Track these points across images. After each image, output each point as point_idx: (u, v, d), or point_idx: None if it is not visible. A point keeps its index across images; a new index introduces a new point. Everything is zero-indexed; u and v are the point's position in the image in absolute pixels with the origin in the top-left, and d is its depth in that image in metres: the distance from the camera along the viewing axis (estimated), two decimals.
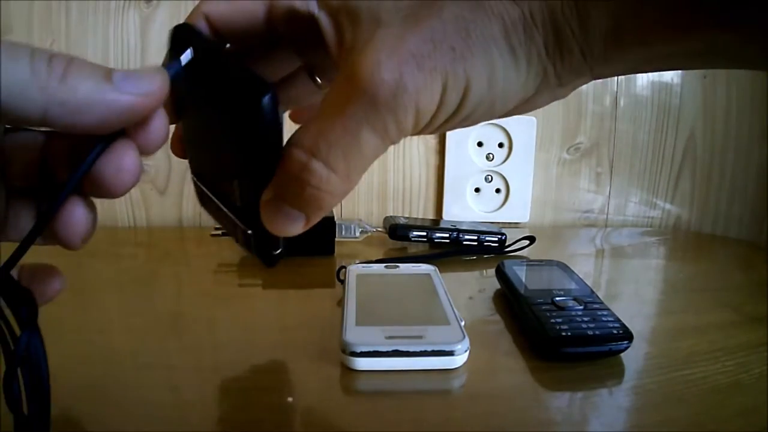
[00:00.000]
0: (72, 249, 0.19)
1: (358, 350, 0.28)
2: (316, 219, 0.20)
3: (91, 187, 0.18)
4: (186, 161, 0.24)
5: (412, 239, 0.53)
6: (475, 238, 0.53)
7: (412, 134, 0.18)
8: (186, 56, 0.19)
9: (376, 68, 0.16)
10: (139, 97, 0.16)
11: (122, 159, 0.18)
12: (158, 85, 0.17)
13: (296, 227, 0.20)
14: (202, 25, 0.22)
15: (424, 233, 0.53)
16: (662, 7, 0.16)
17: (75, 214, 0.18)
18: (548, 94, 0.19)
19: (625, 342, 0.31)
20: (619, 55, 0.17)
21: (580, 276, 0.40)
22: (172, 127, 0.20)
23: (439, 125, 0.18)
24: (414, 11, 0.17)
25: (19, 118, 0.15)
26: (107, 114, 0.16)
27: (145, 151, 0.18)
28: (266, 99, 0.17)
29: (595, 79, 0.19)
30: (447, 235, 0.54)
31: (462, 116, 0.18)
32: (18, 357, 0.17)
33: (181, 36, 0.20)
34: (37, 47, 0.16)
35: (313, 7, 0.20)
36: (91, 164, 0.17)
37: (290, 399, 0.26)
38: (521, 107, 0.20)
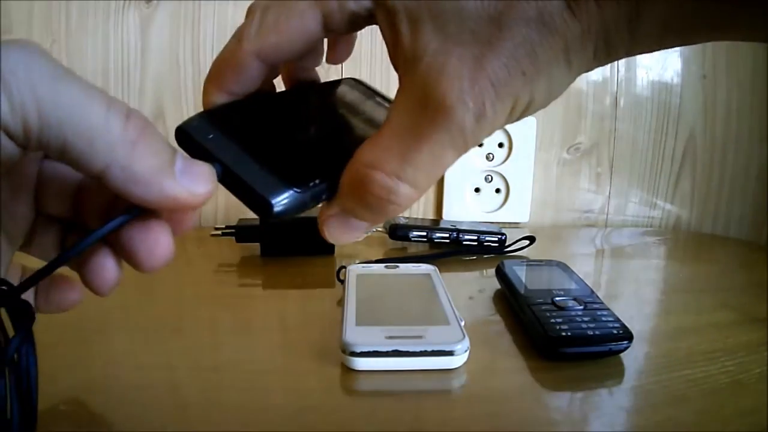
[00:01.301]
0: (99, 295, 0.20)
1: (358, 350, 0.28)
2: (379, 223, 0.21)
3: (123, 253, 0.19)
4: None
5: (412, 239, 0.53)
6: (475, 238, 0.53)
7: None
8: (218, 170, 0.19)
9: (460, 96, 0.17)
10: (191, 195, 0.17)
11: (157, 241, 0.19)
12: (209, 189, 0.18)
13: (360, 235, 0.21)
14: (254, 68, 0.20)
15: (424, 233, 0.53)
16: (707, 13, 0.17)
17: (105, 267, 0.20)
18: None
19: (625, 342, 0.31)
20: (658, 48, 0.19)
21: (580, 276, 0.40)
22: None
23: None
24: (483, 28, 0.17)
25: (80, 163, 0.16)
26: (158, 197, 0.17)
27: (174, 233, 0.19)
28: (276, 209, 0.18)
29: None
30: (447, 235, 0.54)
31: (522, 117, 0.19)
32: (7, 357, 0.17)
33: (189, 138, 0.20)
34: (113, 97, 0.16)
35: (366, 4, 0.19)
36: (113, 230, 0.18)
37: None
38: None
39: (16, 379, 0.18)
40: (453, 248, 0.53)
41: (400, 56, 0.19)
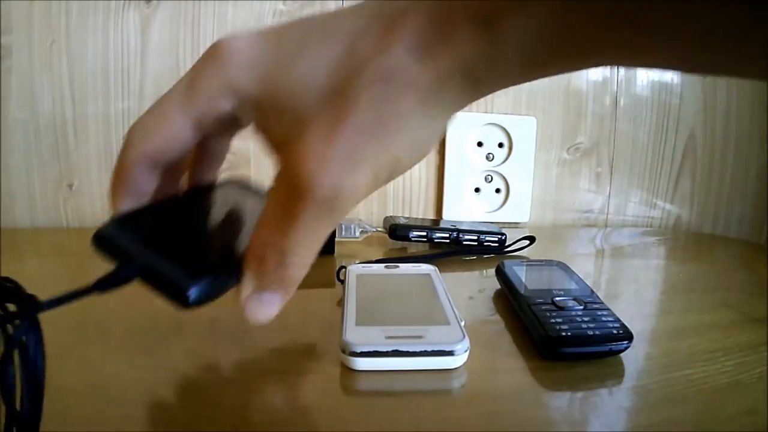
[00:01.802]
0: None
1: (358, 350, 0.28)
2: (291, 294, 0.23)
3: None
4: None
5: (412, 239, 0.53)
6: (475, 238, 0.54)
7: None
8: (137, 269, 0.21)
9: (314, 176, 0.18)
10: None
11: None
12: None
13: (277, 307, 0.23)
14: (142, 175, 0.22)
15: (424, 233, 0.53)
16: (572, 37, 0.16)
17: None
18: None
19: (625, 342, 0.31)
20: (535, 76, 0.18)
21: (580, 276, 0.40)
22: None
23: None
24: (330, 103, 0.18)
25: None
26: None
27: None
28: (192, 297, 0.21)
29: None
30: (447, 235, 0.54)
31: (393, 177, 0.21)
32: (15, 340, 0.18)
33: (106, 243, 0.22)
34: None
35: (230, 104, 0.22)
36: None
37: None
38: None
39: (25, 367, 0.18)
40: (453, 248, 0.53)
41: (271, 145, 0.21)
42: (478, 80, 0.18)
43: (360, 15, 0.19)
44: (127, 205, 0.23)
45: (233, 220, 0.28)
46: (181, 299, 0.21)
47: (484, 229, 0.55)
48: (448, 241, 0.53)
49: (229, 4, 0.61)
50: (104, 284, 0.21)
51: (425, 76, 0.18)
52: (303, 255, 0.22)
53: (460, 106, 0.20)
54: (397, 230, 0.53)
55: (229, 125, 0.23)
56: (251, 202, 0.31)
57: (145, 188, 0.23)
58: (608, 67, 0.19)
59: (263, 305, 0.22)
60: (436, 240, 0.53)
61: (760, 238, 0.73)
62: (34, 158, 0.60)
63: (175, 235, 0.25)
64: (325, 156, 0.18)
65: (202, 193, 0.29)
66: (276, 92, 0.20)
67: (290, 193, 0.19)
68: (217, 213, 0.29)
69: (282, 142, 0.20)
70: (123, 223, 0.23)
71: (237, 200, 0.31)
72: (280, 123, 0.20)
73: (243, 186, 0.32)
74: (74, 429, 0.23)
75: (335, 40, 0.19)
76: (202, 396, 0.26)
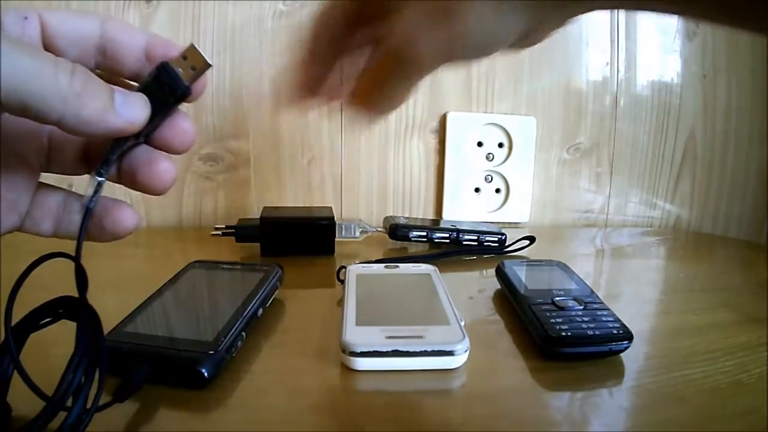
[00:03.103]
0: (159, 194, 0.24)
1: (358, 350, 0.28)
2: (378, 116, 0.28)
3: (138, 186, 0.24)
4: (185, 156, 0.28)
5: (412, 239, 0.53)
6: (475, 238, 0.54)
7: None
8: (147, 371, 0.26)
9: (404, 35, 0.24)
10: (130, 124, 0.21)
11: (158, 164, 0.24)
12: (145, 115, 0.22)
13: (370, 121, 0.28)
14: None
15: (424, 233, 0.53)
16: None
17: (158, 161, 0.24)
18: (547, 26, 0.25)
19: (625, 342, 0.31)
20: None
21: (580, 276, 0.40)
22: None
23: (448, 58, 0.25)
24: None
25: (38, 118, 0.19)
26: (106, 130, 0.21)
27: (175, 152, 0.24)
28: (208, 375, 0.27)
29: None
30: (447, 235, 0.54)
31: (457, 55, 0.25)
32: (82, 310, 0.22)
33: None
34: (59, 59, 0.19)
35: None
36: (124, 150, 0.23)
37: None
38: (525, 40, 0.26)
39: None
40: (453, 248, 0.53)
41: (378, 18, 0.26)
42: None
43: None
44: (310, 77, 0.29)
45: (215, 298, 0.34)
46: (198, 380, 0.26)
47: (484, 229, 0.55)
48: (448, 241, 0.53)
49: (229, 4, 0.61)
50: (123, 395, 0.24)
51: None
52: (393, 92, 0.26)
53: (529, 15, 0.23)
54: (397, 230, 0.53)
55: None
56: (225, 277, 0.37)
57: (321, 61, 0.29)
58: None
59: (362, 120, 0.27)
60: (436, 240, 0.53)
61: (760, 238, 0.73)
62: None
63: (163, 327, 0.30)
64: (409, 24, 0.24)
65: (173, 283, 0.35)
66: None
67: (386, 49, 0.25)
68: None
69: (387, 12, 0.25)
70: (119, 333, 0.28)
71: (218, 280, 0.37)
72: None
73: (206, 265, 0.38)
74: None
75: None
76: (202, 395, 0.26)
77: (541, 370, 0.30)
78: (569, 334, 0.30)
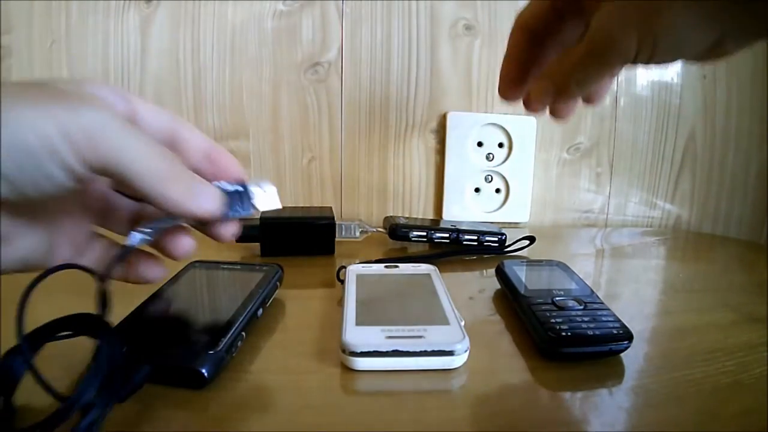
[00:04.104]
0: (176, 259, 0.29)
1: (358, 350, 0.28)
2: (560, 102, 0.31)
3: (160, 247, 0.29)
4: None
5: (412, 239, 0.53)
6: (475, 238, 0.53)
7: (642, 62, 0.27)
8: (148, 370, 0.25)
9: (601, 30, 0.26)
10: (203, 211, 0.26)
11: (182, 240, 0.29)
12: (215, 207, 0.27)
13: (540, 104, 0.31)
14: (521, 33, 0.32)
15: (424, 233, 0.53)
16: None
17: (182, 240, 0.29)
18: (740, 39, 0.26)
19: (625, 342, 0.31)
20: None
21: (580, 276, 0.40)
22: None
23: (648, 59, 0.26)
24: None
25: (130, 189, 0.24)
26: (183, 213, 0.26)
27: (217, 239, 0.30)
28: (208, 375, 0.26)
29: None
30: (447, 235, 0.54)
31: (650, 52, 0.26)
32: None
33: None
34: (163, 147, 0.24)
35: None
36: (161, 229, 0.28)
37: None
38: (715, 50, 0.26)
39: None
40: (453, 248, 0.53)
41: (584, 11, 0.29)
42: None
43: None
44: (512, 69, 0.32)
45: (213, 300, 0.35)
46: (198, 380, 0.26)
47: (484, 229, 0.55)
48: (448, 241, 0.53)
49: (229, 4, 0.61)
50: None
51: None
52: (585, 81, 0.29)
53: (723, 22, 0.24)
54: (397, 230, 0.53)
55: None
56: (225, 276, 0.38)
57: (523, 54, 0.32)
58: None
59: (544, 96, 0.30)
60: (436, 240, 0.53)
61: (760, 238, 0.73)
62: None
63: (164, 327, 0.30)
64: (604, 19, 0.26)
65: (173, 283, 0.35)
66: None
67: (587, 40, 0.27)
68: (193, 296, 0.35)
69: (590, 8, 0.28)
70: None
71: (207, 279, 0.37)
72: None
73: (207, 265, 0.39)
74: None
75: None
76: (201, 395, 0.26)
77: (541, 370, 0.30)
78: (569, 334, 0.30)
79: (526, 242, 0.54)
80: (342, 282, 0.39)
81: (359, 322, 0.31)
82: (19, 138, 0.20)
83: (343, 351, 0.29)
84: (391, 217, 0.58)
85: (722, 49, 0.26)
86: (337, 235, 0.51)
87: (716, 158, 0.71)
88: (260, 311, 0.34)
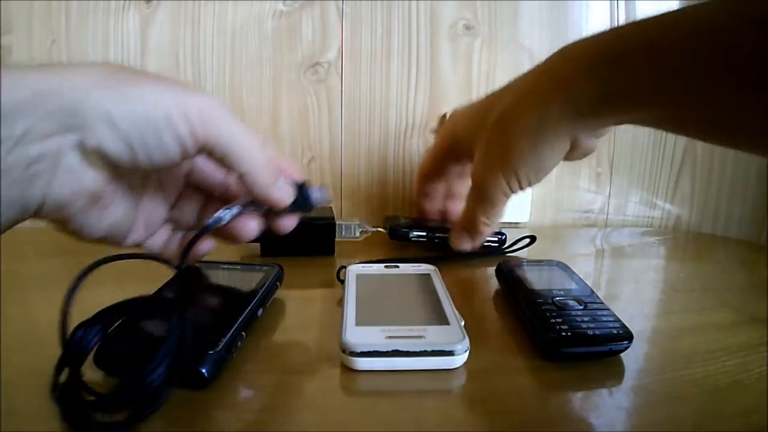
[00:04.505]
0: (241, 242, 0.33)
1: (358, 350, 0.28)
2: (480, 239, 0.41)
3: (225, 235, 0.33)
4: None
5: (412, 239, 0.53)
6: None
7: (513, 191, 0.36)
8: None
9: (477, 179, 0.38)
10: (278, 200, 0.31)
11: (250, 224, 0.32)
12: (288, 197, 0.32)
13: (468, 246, 0.42)
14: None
15: (424, 233, 0.53)
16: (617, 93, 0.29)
17: (249, 224, 0.33)
18: (588, 141, 0.35)
19: (625, 342, 0.31)
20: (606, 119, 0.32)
21: (580, 276, 0.40)
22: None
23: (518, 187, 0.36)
24: (484, 136, 0.36)
25: (232, 167, 0.28)
26: (264, 197, 0.31)
27: (274, 231, 0.34)
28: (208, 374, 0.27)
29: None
30: (447, 235, 0.53)
31: (525, 182, 0.35)
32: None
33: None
34: (261, 138, 0.29)
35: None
36: (236, 215, 0.32)
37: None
38: (572, 153, 0.35)
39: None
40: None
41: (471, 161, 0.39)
42: (573, 121, 0.31)
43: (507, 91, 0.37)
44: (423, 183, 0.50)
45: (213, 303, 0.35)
46: (199, 380, 0.26)
47: None
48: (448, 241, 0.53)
49: (229, 4, 0.61)
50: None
51: (533, 122, 0.32)
52: (488, 218, 0.39)
53: (562, 140, 0.33)
54: (396, 230, 0.53)
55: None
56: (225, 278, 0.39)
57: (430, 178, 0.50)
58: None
59: (463, 239, 0.42)
60: (436, 240, 0.53)
61: (760, 238, 0.73)
62: None
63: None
64: (479, 168, 0.37)
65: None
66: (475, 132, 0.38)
67: (471, 187, 0.39)
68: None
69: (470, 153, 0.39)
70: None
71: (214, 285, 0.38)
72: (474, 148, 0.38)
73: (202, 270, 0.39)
74: None
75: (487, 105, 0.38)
76: (201, 395, 0.26)
77: (541, 370, 0.30)
78: (569, 334, 0.30)
79: (526, 242, 0.54)
80: (342, 282, 0.39)
81: (359, 322, 0.31)
82: (144, 109, 0.24)
83: (343, 351, 0.29)
84: (391, 216, 0.58)
85: (579, 146, 0.34)
86: (337, 235, 0.51)
87: (716, 158, 0.71)
88: (260, 311, 0.34)
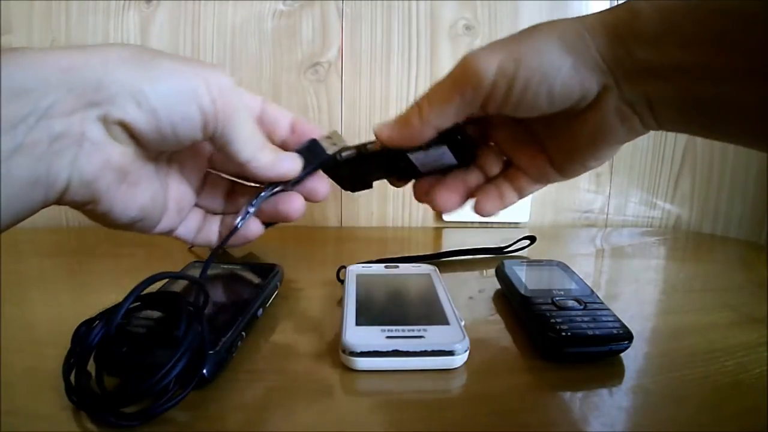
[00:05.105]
0: (315, 200, 0.36)
1: (358, 350, 0.28)
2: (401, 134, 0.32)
3: (272, 216, 0.36)
4: None
5: (341, 160, 0.35)
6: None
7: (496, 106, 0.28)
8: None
9: (467, 55, 0.27)
10: (286, 171, 0.32)
11: (293, 202, 0.35)
12: (295, 167, 0.33)
13: (386, 133, 0.32)
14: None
15: (354, 151, 0.37)
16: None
17: (252, 227, 0.36)
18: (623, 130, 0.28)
19: (625, 342, 0.31)
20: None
21: (580, 276, 0.40)
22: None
23: (506, 98, 0.27)
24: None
25: (234, 155, 0.30)
26: (270, 176, 0.32)
27: (311, 199, 0.36)
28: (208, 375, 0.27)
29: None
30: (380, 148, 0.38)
31: (518, 88, 0.26)
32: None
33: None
34: (259, 128, 0.32)
35: None
36: (259, 203, 0.34)
37: None
38: (602, 138, 0.29)
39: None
40: (453, 249, 0.53)
41: None
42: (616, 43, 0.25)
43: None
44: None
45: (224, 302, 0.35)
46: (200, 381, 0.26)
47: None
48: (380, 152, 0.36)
49: (229, 4, 0.61)
50: None
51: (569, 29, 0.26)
52: (429, 107, 0.29)
53: (589, 66, 0.26)
54: (326, 162, 0.36)
55: None
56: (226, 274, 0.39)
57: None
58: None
59: (386, 131, 0.32)
60: (368, 147, 0.35)
61: (760, 238, 0.73)
62: None
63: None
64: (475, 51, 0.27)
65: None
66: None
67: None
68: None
69: None
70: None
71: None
72: None
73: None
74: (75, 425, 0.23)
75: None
76: (202, 395, 0.26)
77: (541, 370, 0.30)
78: (569, 334, 0.30)
79: (526, 242, 0.54)
80: (342, 282, 0.39)
81: (359, 322, 0.31)
82: (171, 82, 0.25)
83: (343, 351, 0.29)
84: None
85: (608, 111, 0.27)
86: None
87: (716, 158, 0.71)
88: (260, 311, 0.34)
